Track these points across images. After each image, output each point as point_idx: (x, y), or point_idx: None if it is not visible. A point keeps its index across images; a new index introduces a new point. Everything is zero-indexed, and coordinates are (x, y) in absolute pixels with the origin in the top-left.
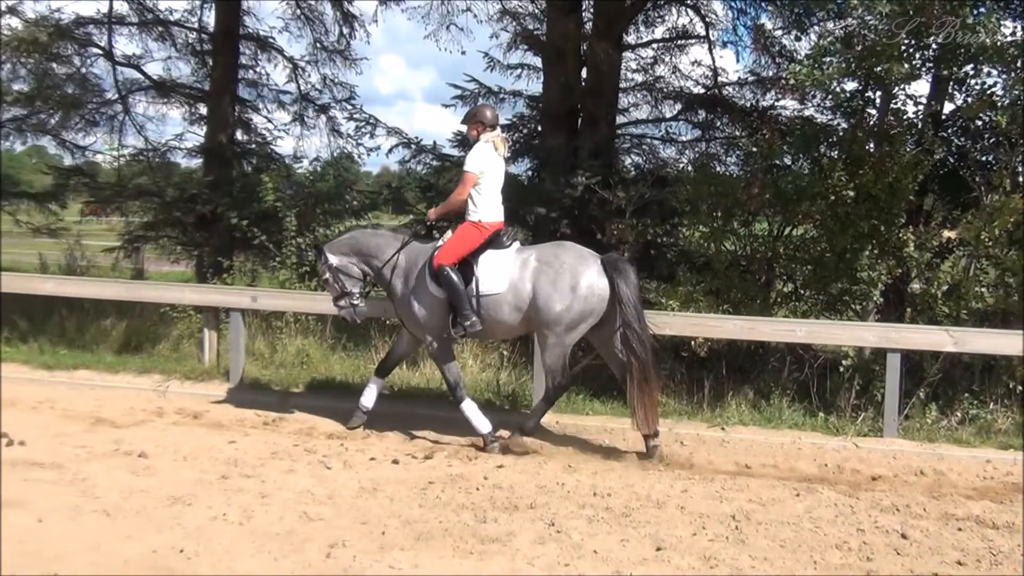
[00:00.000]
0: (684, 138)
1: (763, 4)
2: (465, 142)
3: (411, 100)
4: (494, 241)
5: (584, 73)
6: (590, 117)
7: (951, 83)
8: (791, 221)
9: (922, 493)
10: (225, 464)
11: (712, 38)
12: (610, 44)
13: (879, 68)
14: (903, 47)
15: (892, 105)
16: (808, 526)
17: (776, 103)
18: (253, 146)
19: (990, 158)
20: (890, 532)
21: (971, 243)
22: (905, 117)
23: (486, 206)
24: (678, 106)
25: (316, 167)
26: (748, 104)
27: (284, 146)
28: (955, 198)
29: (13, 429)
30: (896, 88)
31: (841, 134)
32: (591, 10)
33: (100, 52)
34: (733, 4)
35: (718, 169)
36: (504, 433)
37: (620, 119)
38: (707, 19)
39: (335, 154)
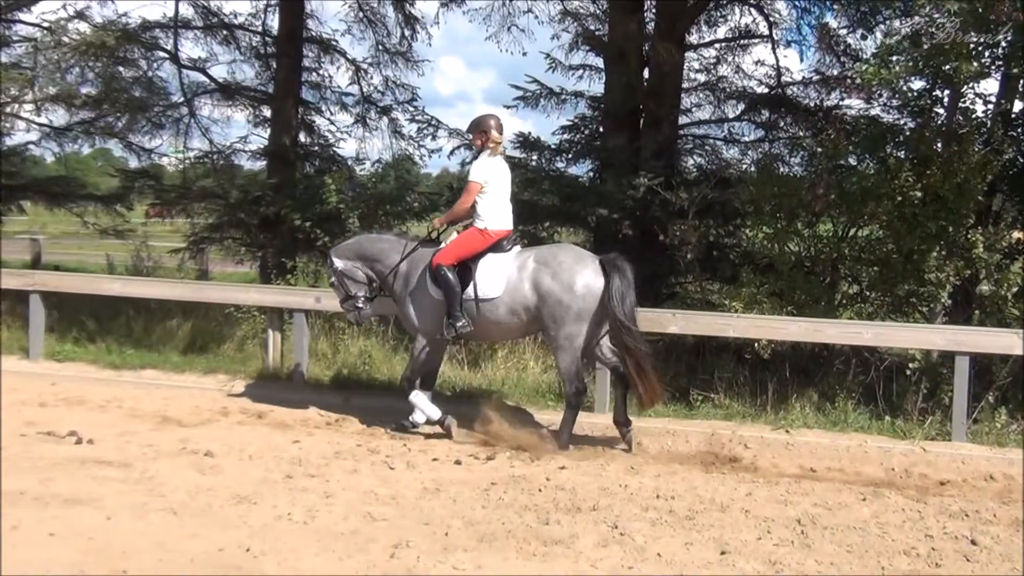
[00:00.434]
0: (747, 138)
1: (828, 2)
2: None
3: (471, 101)
4: (496, 246)
5: (646, 73)
6: (652, 118)
7: (1021, 81)
8: (856, 222)
9: (992, 498)
10: (289, 463)
11: (775, 37)
12: (673, 44)
13: (947, 67)
14: (972, 45)
15: (960, 104)
16: (875, 531)
17: (841, 102)
18: (316, 148)
19: None
20: (959, 538)
21: None
22: (974, 116)
23: (491, 214)
24: (741, 106)
25: (377, 169)
26: (812, 104)
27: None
28: None
29: (82, 427)
30: (965, 87)
31: (908, 134)
32: (653, 10)
33: (166, 56)
34: (797, 3)
35: (782, 170)
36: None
37: (682, 119)
38: (770, 18)
39: (396, 156)
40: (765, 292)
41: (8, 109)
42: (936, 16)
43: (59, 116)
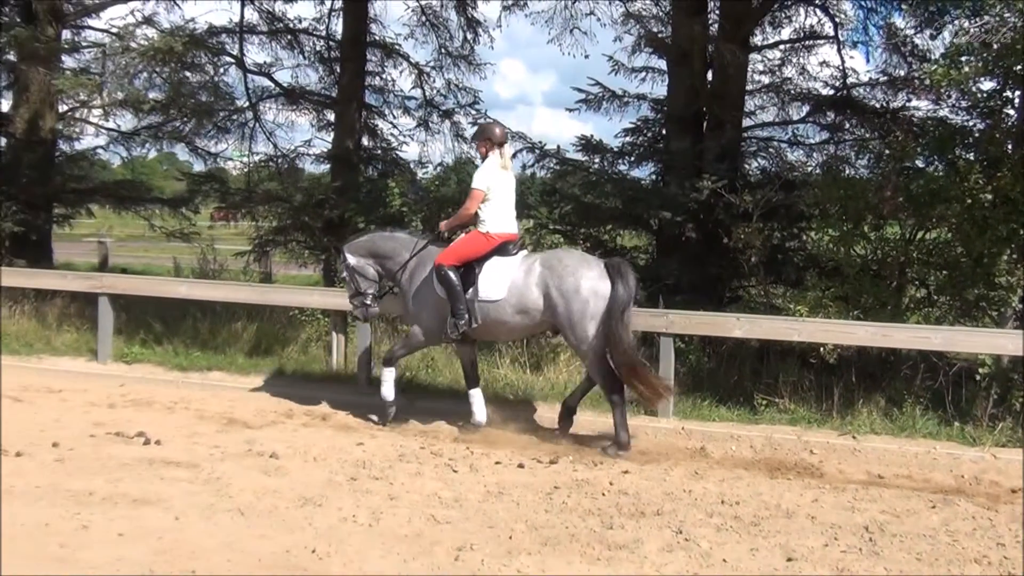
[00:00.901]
0: (812, 140)
1: (895, 2)
2: (592, 146)
3: (531, 104)
4: (501, 249)
5: (710, 75)
6: (716, 120)
7: None
8: (924, 225)
9: None
10: (354, 466)
11: (841, 38)
12: (737, 46)
13: (1019, 67)
14: None
15: None
16: (945, 539)
17: (908, 104)
18: (379, 152)
19: None
20: None
21: None
22: None
23: (494, 219)
24: (806, 108)
25: (439, 172)
26: (879, 105)
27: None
28: None
29: (150, 428)
30: None
31: (978, 135)
32: (717, 12)
33: (232, 60)
34: (863, 3)
35: (847, 172)
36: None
37: (746, 122)
38: (836, 19)
39: (458, 159)
40: (831, 296)
41: (77, 114)
42: (1007, 15)
43: (127, 121)
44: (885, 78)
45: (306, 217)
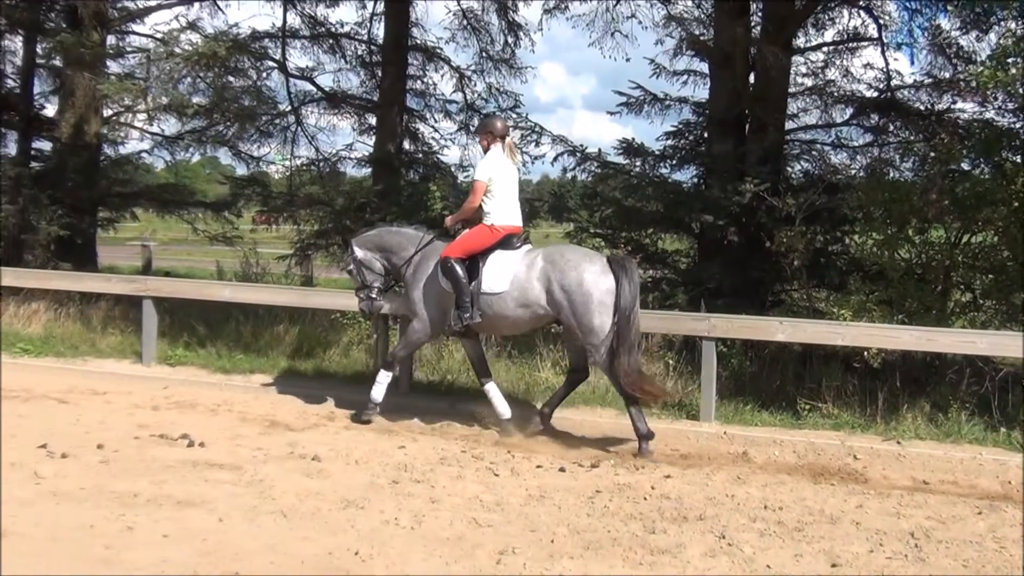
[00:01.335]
0: (856, 143)
1: (941, 4)
2: (633, 149)
3: (571, 108)
4: (505, 243)
5: (752, 78)
6: (758, 123)
7: None
8: (970, 228)
9: None
10: (395, 469)
11: (885, 40)
12: (780, 48)
13: None
14: None
15: None
16: (992, 546)
17: (953, 106)
18: (420, 155)
19: None
20: None
21: None
22: None
23: (498, 211)
24: (849, 110)
25: None
26: (923, 107)
27: (450, 155)
28: None
29: (194, 430)
30: None
31: None
32: (760, 14)
33: (274, 65)
34: (908, 4)
35: (892, 175)
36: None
37: (789, 124)
38: (880, 20)
39: None
40: (875, 300)
41: (122, 118)
42: None
43: (170, 125)
44: (930, 80)
45: (348, 221)
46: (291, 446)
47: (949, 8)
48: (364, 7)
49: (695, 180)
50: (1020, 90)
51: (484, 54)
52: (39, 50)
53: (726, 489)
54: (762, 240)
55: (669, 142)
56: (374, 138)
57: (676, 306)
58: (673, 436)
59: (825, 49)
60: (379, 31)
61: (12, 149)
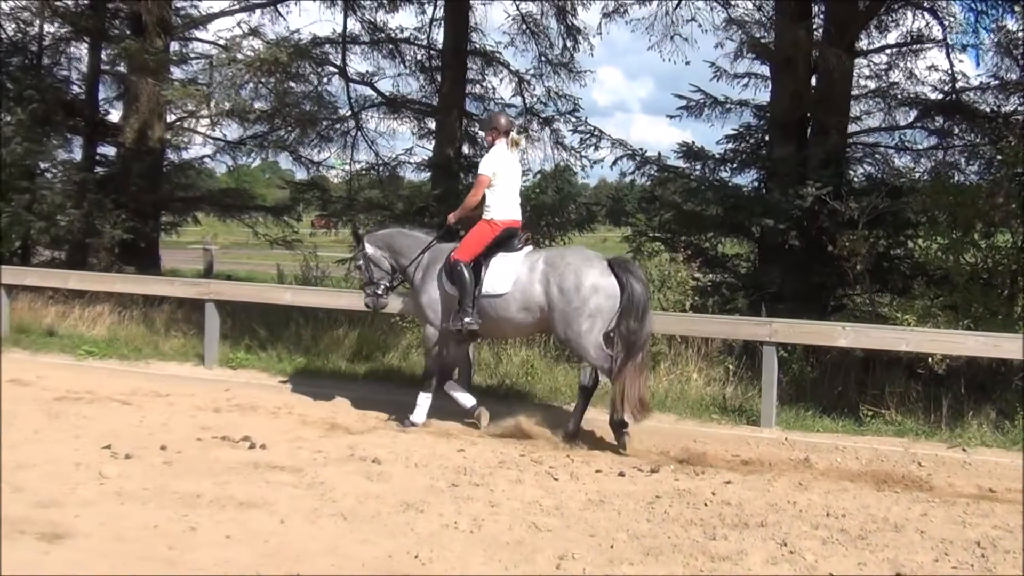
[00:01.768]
0: (920, 146)
1: (1007, 4)
2: (693, 153)
3: (629, 111)
4: (507, 243)
5: (814, 81)
6: (820, 126)
7: None
8: None
9: None
10: (454, 472)
11: (950, 41)
12: (842, 50)
13: None
14: None
15: None
16: None
17: (1020, 108)
18: (479, 160)
19: None
20: None
21: None
22: None
23: (499, 205)
24: (913, 113)
25: (538, 179)
26: (989, 109)
27: None
28: None
29: (255, 433)
30: None
31: None
32: (822, 16)
33: (335, 70)
34: (973, 5)
35: (957, 178)
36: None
37: (852, 127)
38: (944, 22)
39: (558, 166)
40: (939, 305)
41: (185, 124)
42: None
43: (232, 130)
44: (996, 82)
45: (407, 225)
46: (351, 449)
47: (1016, 9)
48: (423, 12)
49: (756, 184)
50: None
51: (543, 58)
52: (104, 56)
53: (788, 495)
54: (824, 244)
55: (729, 145)
56: (433, 142)
57: (736, 310)
58: (733, 441)
59: (888, 51)
60: (438, 36)
61: (77, 154)
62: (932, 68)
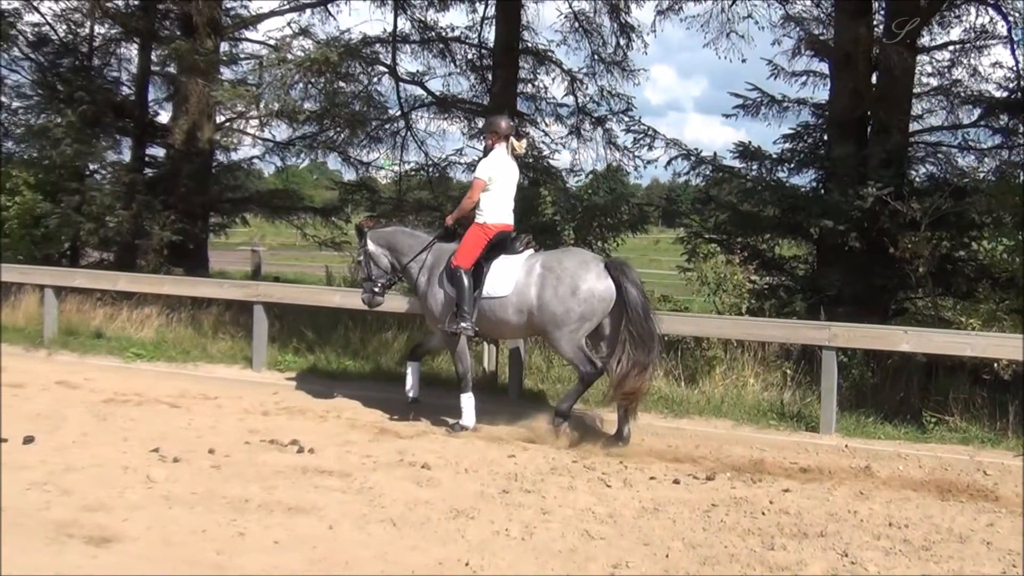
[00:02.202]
0: (984, 145)
1: None
2: (750, 153)
3: (682, 111)
4: (506, 245)
5: (874, 78)
6: (881, 125)
7: None
8: None
9: None
10: (505, 478)
11: (1015, 37)
12: (904, 47)
13: None
14: None
15: None
16: None
17: None
18: (530, 160)
19: None
20: None
21: None
22: None
23: (492, 209)
24: (977, 111)
25: (590, 179)
26: None
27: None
28: None
29: (304, 436)
30: None
31: None
32: (882, 12)
33: (385, 70)
34: None
35: (1023, 178)
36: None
37: (913, 126)
38: (1009, 17)
39: (610, 166)
40: (1005, 308)
41: (234, 125)
42: None
43: (282, 131)
44: None
45: (459, 229)
46: (400, 453)
47: None
48: (475, 11)
49: (814, 184)
50: None
51: (596, 56)
52: (154, 57)
53: (848, 505)
54: (885, 246)
55: (787, 145)
56: (484, 143)
57: (794, 314)
58: (792, 449)
59: (951, 48)
60: (489, 34)
61: (127, 155)
62: (996, 65)
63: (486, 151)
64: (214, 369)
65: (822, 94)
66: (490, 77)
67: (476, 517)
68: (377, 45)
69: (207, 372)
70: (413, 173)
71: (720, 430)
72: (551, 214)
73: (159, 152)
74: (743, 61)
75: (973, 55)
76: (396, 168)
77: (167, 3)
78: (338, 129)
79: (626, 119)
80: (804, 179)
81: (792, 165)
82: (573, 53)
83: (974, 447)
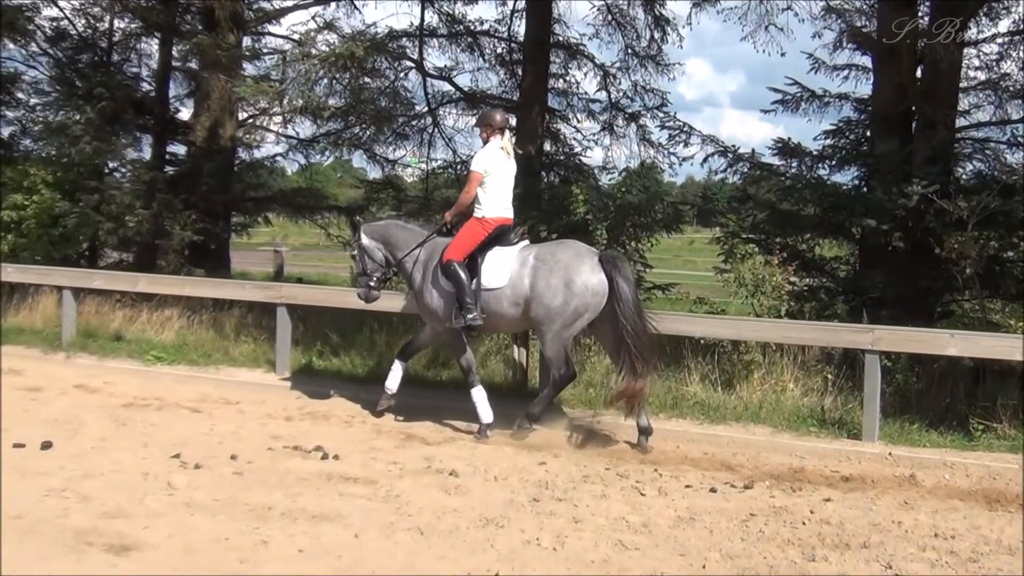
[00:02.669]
0: None
1: None
2: (789, 150)
3: (718, 106)
4: (502, 238)
5: (919, 72)
6: (926, 120)
7: None
8: None
9: None
10: (536, 486)
11: None
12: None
13: None
14: None
15: None
16: None
17: None
18: (561, 157)
19: None
20: None
21: None
22: None
23: (491, 203)
24: None
25: (623, 177)
26: None
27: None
28: None
29: (328, 442)
30: None
31: None
32: (928, 4)
33: (412, 65)
34: None
35: None
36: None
37: (960, 122)
38: None
39: (644, 163)
40: None
41: (257, 121)
42: None
43: (305, 128)
44: None
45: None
46: (427, 460)
47: None
48: (504, 3)
49: (856, 182)
50: None
51: (629, 50)
52: (175, 52)
53: (892, 515)
54: (930, 246)
55: (828, 141)
56: (514, 139)
57: (835, 316)
58: (833, 456)
59: (1000, 40)
60: (520, 28)
61: (147, 153)
62: None
63: (482, 144)
64: (236, 373)
65: (865, 88)
66: (520, 72)
67: (506, 526)
68: (404, 39)
69: (229, 376)
70: (440, 171)
71: (758, 437)
72: (583, 213)
73: (180, 150)
74: (782, 55)
75: (1022, 48)
76: (423, 166)
77: None
78: (363, 126)
79: (660, 115)
80: (846, 177)
81: (833, 162)
82: (606, 47)
83: None
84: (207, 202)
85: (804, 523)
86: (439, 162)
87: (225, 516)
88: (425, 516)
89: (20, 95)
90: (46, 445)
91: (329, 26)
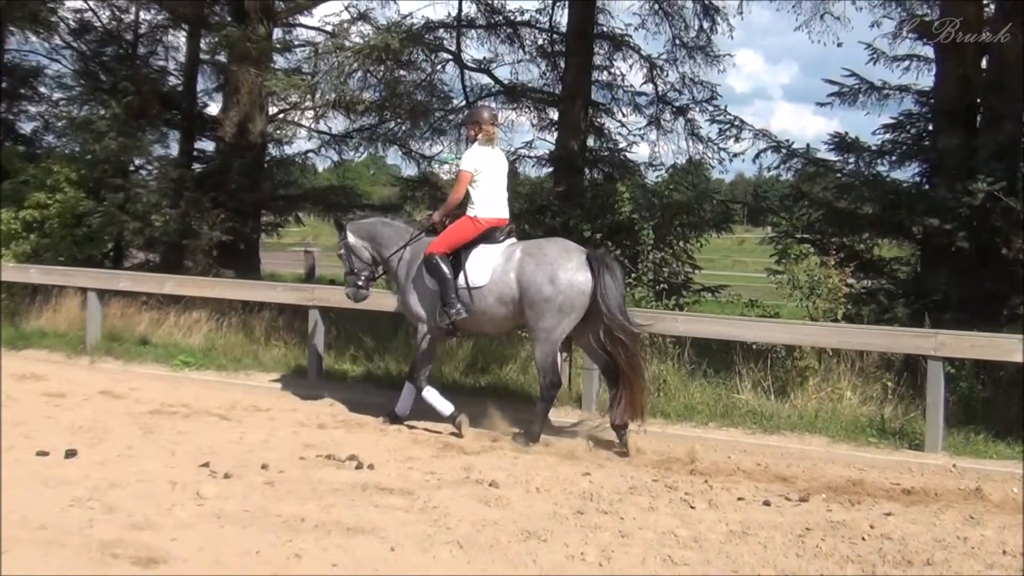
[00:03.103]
0: None
1: None
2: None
3: (769, 99)
4: (488, 236)
5: (985, 63)
6: (992, 114)
7: None
8: None
9: None
10: (580, 498)
11: None
12: (1018, 29)
13: None
14: None
15: None
16: None
17: None
18: (606, 153)
19: None
20: None
21: None
22: None
23: (483, 202)
24: None
25: (671, 174)
26: None
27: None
28: None
29: (362, 451)
30: None
31: None
32: None
33: (449, 57)
34: None
35: None
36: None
37: None
38: None
39: (693, 159)
40: None
41: (288, 117)
42: None
43: (338, 123)
44: None
45: (526, 224)
46: (466, 470)
47: None
48: None
49: (918, 179)
50: None
51: (677, 41)
52: (203, 45)
53: (957, 530)
54: (997, 247)
55: (887, 136)
56: (555, 134)
57: (895, 320)
58: (894, 468)
59: None
60: (562, 18)
61: (174, 150)
62: None
63: (469, 142)
64: (266, 378)
65: (927, 80)
66: (562, 64)
67: (549, 540)
68: (441, 30)
69: (259, 381)
70: None
71: (814, 447)
72: (628, 212)
73: (208, 146)
74: (838, 45)
75: None
76: (460, 162)
77: None
78: (399, 121)
79: (710, 108)
80: (906, 173)
81: (893, 158)
82: (652, 38)
83: None
84: (236, 201)
85: (863, 539)
86: None
87: (256, 528)
88: (464, 529)
89: (43, 90)
90: (70, 453)
91: (363, 17)
